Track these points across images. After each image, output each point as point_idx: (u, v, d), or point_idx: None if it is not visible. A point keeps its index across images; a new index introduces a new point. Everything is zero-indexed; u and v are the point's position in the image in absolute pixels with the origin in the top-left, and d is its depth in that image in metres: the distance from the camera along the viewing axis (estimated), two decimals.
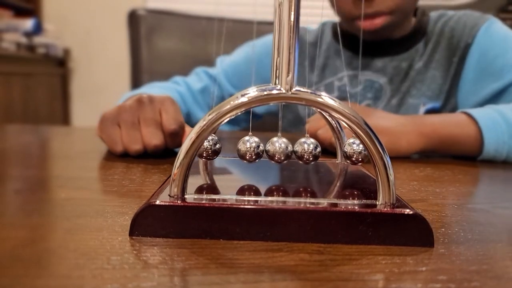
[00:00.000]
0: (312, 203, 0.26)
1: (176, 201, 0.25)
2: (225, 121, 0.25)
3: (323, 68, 0.81)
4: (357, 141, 0.30)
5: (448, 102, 0.73)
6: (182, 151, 0.26)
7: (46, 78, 2.24)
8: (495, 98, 0.68)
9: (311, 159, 0.30)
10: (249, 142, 0.29)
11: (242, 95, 0.25)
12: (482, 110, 0.58)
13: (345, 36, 0.78)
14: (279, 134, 0.30)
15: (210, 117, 0.25)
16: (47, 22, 2.29)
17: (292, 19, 0.25)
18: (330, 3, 0.75)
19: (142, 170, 0.43)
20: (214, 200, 0.26)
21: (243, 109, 0.25)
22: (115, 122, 0.49)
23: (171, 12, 1.12)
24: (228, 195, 0.27)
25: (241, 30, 0.95)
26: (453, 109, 0.72)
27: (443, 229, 0.28)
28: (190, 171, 0.26)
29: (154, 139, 0.47)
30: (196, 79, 0.86)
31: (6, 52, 1.92)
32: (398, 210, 0.25)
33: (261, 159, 0.30)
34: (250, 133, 0.30)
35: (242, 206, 0.25)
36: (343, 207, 0.25)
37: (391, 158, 0.26)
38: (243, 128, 0.88)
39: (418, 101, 0.73)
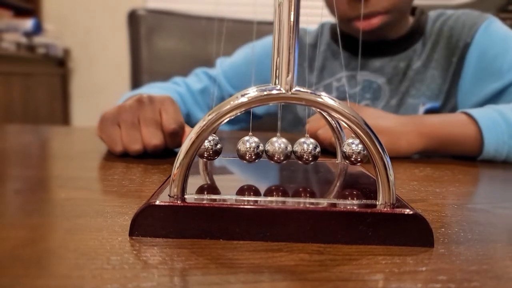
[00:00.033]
0: (312, 203, 0.26)
1: (176, 201, 0.25)
2: (225, 121, 0.25)
3: (321, 69, 0.82)
4: (356, 141, 0.30)
5: (447, 102, 0.73)
6: (182, 151, 0.26)
7: (46, 78, 2.24)
8: (495, 98, 0.68)
9: (310, 159, 0.30)
10: (249, 142, 0.29)
11: (242, 95, 0.25)
12: (482, 110, 0.58)
13: (342, 37, 0.78)
14: (278, 134, 0.30)
15: (210, 117, 0.25)
16: (47, 22, 2.29)
17: (292, 19, 0.25)
18: (326, 5, 0.75)
19: (142, 170, 0.43)
20: (214, 200, 0.26)
21: (243, 109, 0.25)
22: (115, 122, 0.49)
23: (171, 12, 1.12)
24: (228, 195, 0.27)
25: (241, 30, 0.95)
26: (453, 109, 0.72)
27: (443, 229, 0.28)
28: (190, 171, 0.26)
29: (154, 139, 0.47)
30: (196, 79, 0.86)
31: (6, 52, 1.92)
32: (398, 210, 0.25)
33: (261, 159, 0.30)
34: (250, 133, 0.30)
35: (242, 206, 0.25)
36: (342, 207, 0.25)
37: (391, 158, 0.26)
38: (243, 128, 0.88)
39: (418, 101, 0.73)
